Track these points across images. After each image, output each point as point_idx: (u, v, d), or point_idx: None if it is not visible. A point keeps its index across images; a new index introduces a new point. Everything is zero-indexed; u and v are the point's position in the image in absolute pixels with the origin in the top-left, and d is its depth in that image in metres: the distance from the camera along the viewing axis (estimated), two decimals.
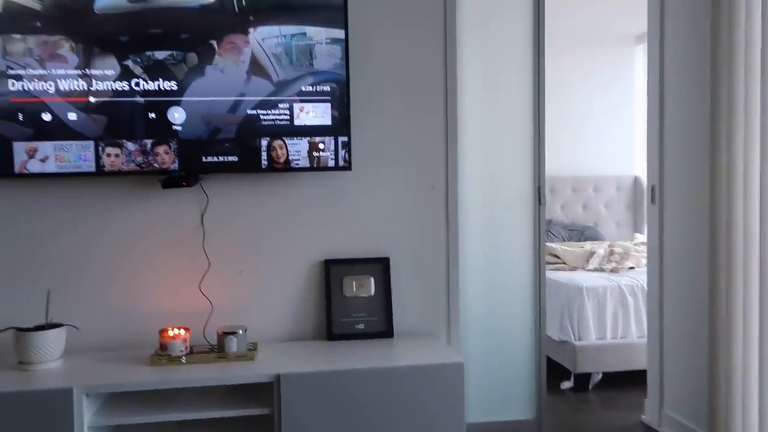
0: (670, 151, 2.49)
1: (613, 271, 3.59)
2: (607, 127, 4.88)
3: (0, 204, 2.00)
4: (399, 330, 2.15)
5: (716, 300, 2.04)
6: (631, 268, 3.66)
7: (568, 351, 3.21)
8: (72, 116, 1.91)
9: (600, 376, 3.21)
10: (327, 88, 2.02)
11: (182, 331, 1.93)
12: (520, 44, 2.42)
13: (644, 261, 3.27)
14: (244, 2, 1.96)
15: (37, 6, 1.88)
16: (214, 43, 1.96)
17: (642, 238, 4.41)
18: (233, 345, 1.92)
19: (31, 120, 1.90)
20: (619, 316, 3.26)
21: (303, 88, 2.01)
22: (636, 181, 4.85)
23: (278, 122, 2.00)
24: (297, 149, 2.02)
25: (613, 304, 3.26)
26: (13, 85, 1.88)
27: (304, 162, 2.03)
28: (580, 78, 4.81)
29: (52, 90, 1.90)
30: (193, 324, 2.01)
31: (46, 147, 1.91)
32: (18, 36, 1.87)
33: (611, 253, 3.80)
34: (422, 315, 2.22)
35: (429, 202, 2.21)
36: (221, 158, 1.99)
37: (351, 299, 2.13)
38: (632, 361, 3.16)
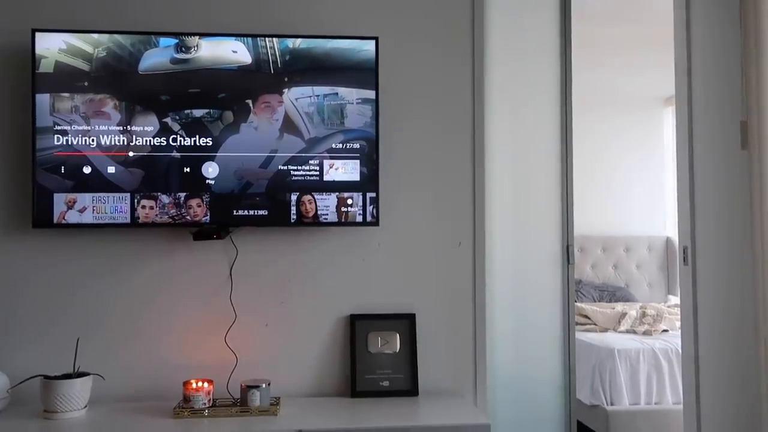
0: (701, 213, 2.46)
1: (645, 333, 3.49)
2: (637, 188, 4.85)
3: (35, 252, 2.06)
4: (424, 388, 2.11)
5: (759, 367, 1.95)
6: (665, 330, 3.55)
7: (600, 416, 3.09)
8: (111, 169, 1.99)
9: None
10: (357, 145, 2.07)
11: (206, 384, 1.92)
12: (547, 103, 2.46)
13: (678, 324, 3.18)
14: (279, 64, 2.05)
15: (86, 67, 1.99)
16: (249, 102, 2.04)
17: (675, 300, 4.29)
18: (256, 399, 1.90)
19: (73, 173, 1.97)
20: (654, 380, 3.15)
21: (333, 146, 2.06)
22: (668, 242, 4.77)
23: (308, 178, 2.05)
24: (326, 204, 2.05)
25: (647, 367, 3.15)
26: (59, 140, 1.97)
27: (333, 217, 2.06)
28: (611, 138, 4.83)
29: (94, 145, 1.98)
30: (218, 376, 2.00)
31: (84, 198, 1.98)
32: (66, 94, 1.98)
33: (644, 314, 3.70)
34: (448, 374, 2.17)
35: (456, 259, 2.21)
36: (251, 212, 2.03)
37: (376, 355, 2.11)
38: (668, 428, 3.02)
